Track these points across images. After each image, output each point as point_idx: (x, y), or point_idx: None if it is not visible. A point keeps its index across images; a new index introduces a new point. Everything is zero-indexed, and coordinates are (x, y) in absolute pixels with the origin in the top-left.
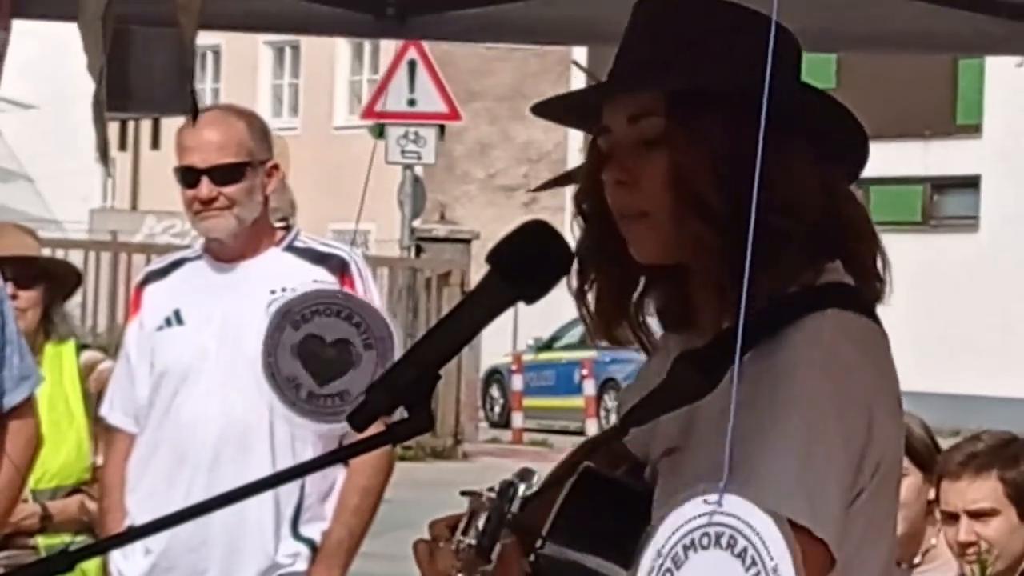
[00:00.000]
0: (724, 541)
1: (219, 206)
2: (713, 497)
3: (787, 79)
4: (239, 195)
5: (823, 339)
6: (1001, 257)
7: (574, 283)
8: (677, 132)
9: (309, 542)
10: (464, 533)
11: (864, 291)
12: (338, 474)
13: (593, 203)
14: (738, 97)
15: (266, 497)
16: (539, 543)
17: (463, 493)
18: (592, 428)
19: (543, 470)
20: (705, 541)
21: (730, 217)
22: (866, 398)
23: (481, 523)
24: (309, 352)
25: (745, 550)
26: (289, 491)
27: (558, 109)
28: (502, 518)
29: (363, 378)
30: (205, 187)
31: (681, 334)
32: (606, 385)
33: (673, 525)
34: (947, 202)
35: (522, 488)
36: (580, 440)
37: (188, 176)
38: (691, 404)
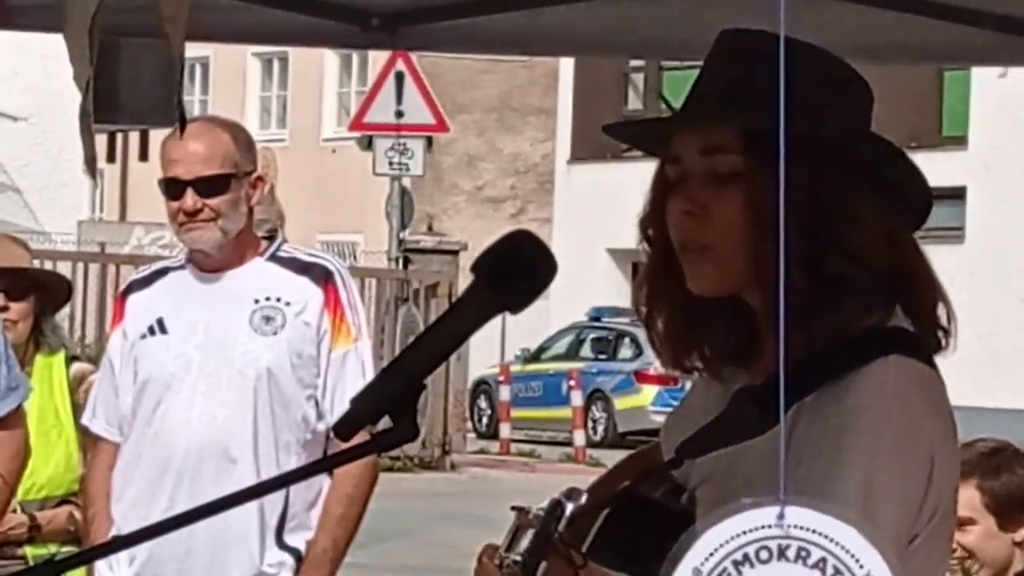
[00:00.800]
0: (791, 553)
1: (204, 218)
2: (773, 510)
3: (860, 128)
4: (224, 207)
5: (888, 386)
6: (986, 268)
7: (643, 309)
8: (756, 170)
9: (294, 551)
10: (508, 550)
11: (925, 339)
12: (323, 483)
13: (658, 230)
14: (815, 141)
15: (251, 506)
16: (580, 561)
17: (513, 508)
18: (579, 439)
19: (532, 481)
20: (764, 555)
21: (806, 257)
22: (928, 447)
23: (527, 541)
24: None
25: (824, 560)
26: (274, 500)
27: (629, 134)
28: (548, 537)
29: None
30: (190, 199)
31: (740, 368)
32: (593, 396)
33: (715, 541)
34: (933, 213)
35: (570, 507)
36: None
37: (173, 188)
38: (747, 440)
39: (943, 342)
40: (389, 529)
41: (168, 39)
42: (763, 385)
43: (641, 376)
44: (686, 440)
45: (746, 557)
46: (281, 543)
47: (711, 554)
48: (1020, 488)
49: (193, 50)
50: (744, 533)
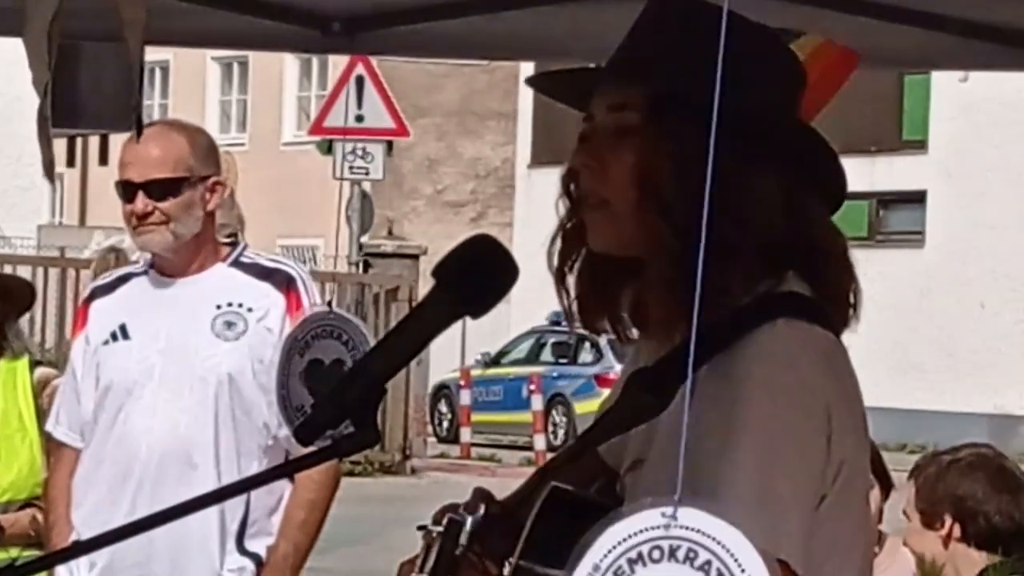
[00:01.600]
0: (681, 554)
1: (154, 221)
2: (668, 510)
3: (775, 102)
4: (175, 210)
5: (776, 351)
6: (947, 272)
7: (555, 263)
8: (649, 128)
9: (255, 557)
10: (421, 570)
11: (830, 311)
12: (285, 489)
13: (576, 188)
14: (720, 109)
15: (211, 511)
16: (511, 562)
17: (419, 528)
18: (540, 443)
19: (492, 485)
20: (656, 555)
21: (686, 218)
22: (822, 407)
23: (431, 560)
24: (312, 377)
25: (708, 563)
26: (234, 506)
27: (551, 84)
28: (451, 555)
29: None
30: (140, 201)
31: (642, 333)
32: (554, 400)
33: (614, 539)
34: (893, 217)
35: (469, 521)
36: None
37: (126, 191)
38: (644, 423)
39: (849, 317)
40: (350, 534)
41: (126, 43)
42: (654, 365)
43: (602, 380)
44: (588, 427)
45: (640, 556)
46: (242, 548)
47: (610, 551)
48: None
49: (153, 54)
50: (640, 532)
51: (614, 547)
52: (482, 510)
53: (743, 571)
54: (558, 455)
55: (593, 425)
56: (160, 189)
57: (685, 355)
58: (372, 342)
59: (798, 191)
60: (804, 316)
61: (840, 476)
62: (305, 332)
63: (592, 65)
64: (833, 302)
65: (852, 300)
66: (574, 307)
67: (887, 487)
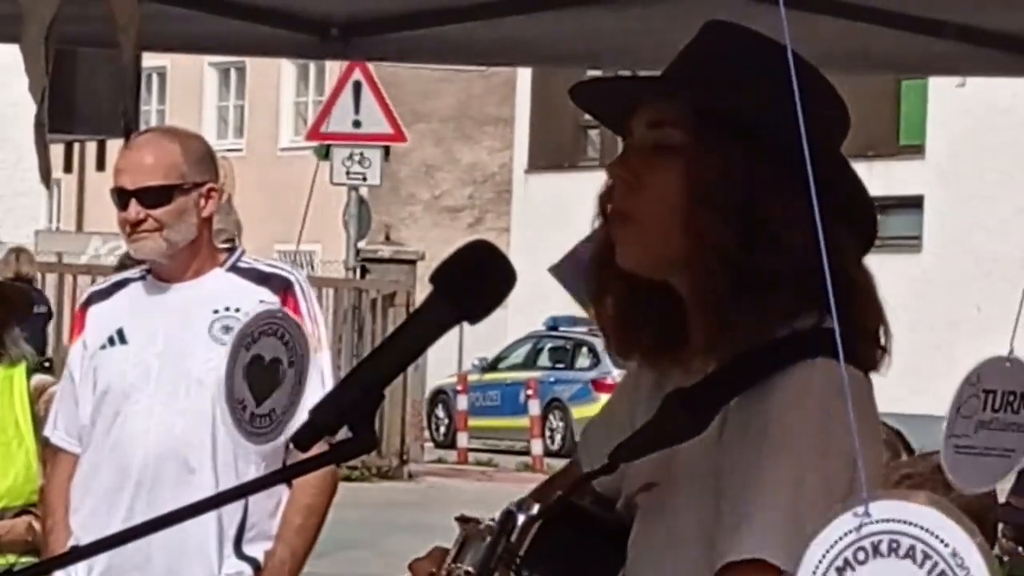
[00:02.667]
0: (884, 548)
1: (147, 228)
2: (859, 509)
3: (818, 137)
4: (167, 217)
5: (811, 389)
6: (943, 277)
7: (593, 287)
8: (696, 147)
9: (253, 561)
10: (456, 560)
11: (860, 350)
12: (282, 493)
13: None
14: (762, 132)
15: (209, 516)
16: (516, 570)
17: (458, 519)
18: (537, 448)
19: (489, 490)
20: (861, 556)
21: (728, 244)
22: (850, 450)
23: (479, 552)
24: (253, 373)
25: (913, 548)
26: (232, 510)
27: (592, 98)
28: (504, 548)
29: (284, 397)
30: (133, 209)
31: (675, 360)
32: (551, 405)
33: (816, 556)
34: (890, 222)
35: (521, 518)
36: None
37: (119, 198)
38: (680, 444)
39: (878, 359)
40: (347, 538)
41: (120, 48)
42: (693, 387)
43: (599, 385)
44: (620, 444)
45: (846, 562)
46: (240, 553)
47: (815, 568)
48: (969, 505)
49: (150, 60)
50: (839, 540)
51: (818, 564)
52: (535, 509)
53: (946, 545)
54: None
55: (629, 440)
56: (152, 196)
57: (725, 379)
58: (311, 348)
59: (836, 226)
60: (839, 356)
61: None
62: (254, 327)
63: (629, 73)
64: (862, 339)
65: (881, 339)
66: (611, 333)
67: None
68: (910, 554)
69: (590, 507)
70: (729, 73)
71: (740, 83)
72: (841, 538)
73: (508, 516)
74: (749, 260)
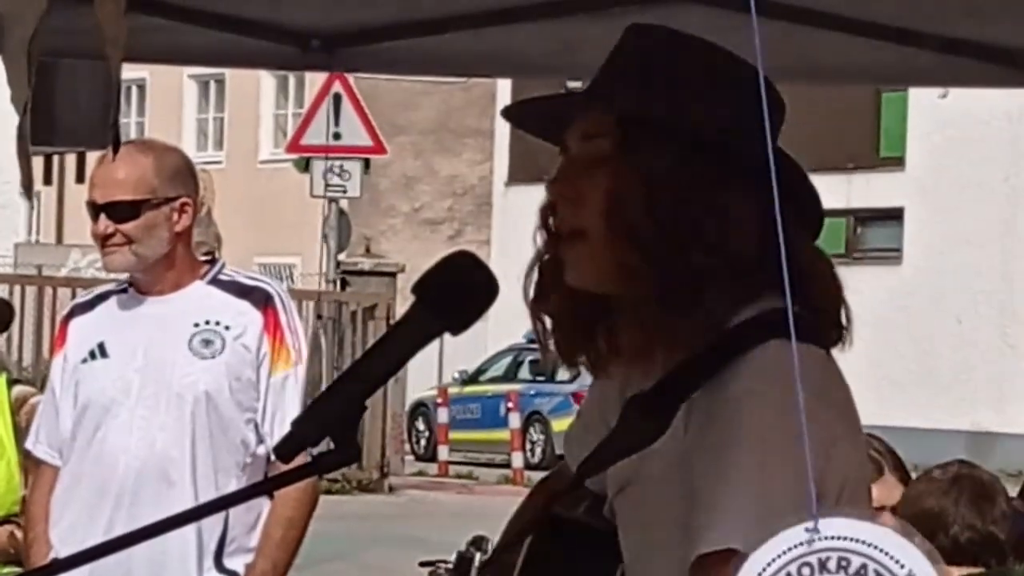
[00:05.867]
0: (832, 565)
1: (116, 242)
2: (809, 524)
3: (749, 126)
4: (136, 232)
5: (768, 371)
6: (924, 289)
7: (531, 297)
8: (619, 156)
9: (233, 575)
10: None
11: (818, 328)
12: (263, 506)
13: (553, 220)
14: (687, 133)
15: (189, 529)
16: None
17: (421, 564)
18: (518, 461)
19: (470, 503)
20: (807, 571)
21: (658, 247)
22: (818, 425)
23: None
24: None
25: (864, 567)
26: (212, 523)
27: (526, 115)
28: None
29: None
30: (102, 223)
31: (629, 365)
32: (531, 418)
33: (757, 566)
34: (870, 234)
35: (478, 557)
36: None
37: (91, 211)
38: (645, 448)
39: (839, 337)
40: (327, 551)
41: (106, 59)
42: (648, 392)
43: (579, 398)
44: (584, 459)
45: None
46: (220, 567)
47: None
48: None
49: (130, 72)
50: (784, 552)
51: (760, 573)
52: (489, 546)
53: (903, 566)
54: (557, 485)
55: (594, 453)
56: (120, 211)
57: (681, 378)
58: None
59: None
60: (796, 335)
61: (843, 494)
62: None
63: (564, 90)
64: (819, 319)
65: (841, 319)
66: (550, 341)
67: (905, 479)
68: (860, 573)
69: (580, 517)
70: (649, 77)
71: (660, 85)
72: (788, 550)
73: (462, 559)
74: (681, 261)
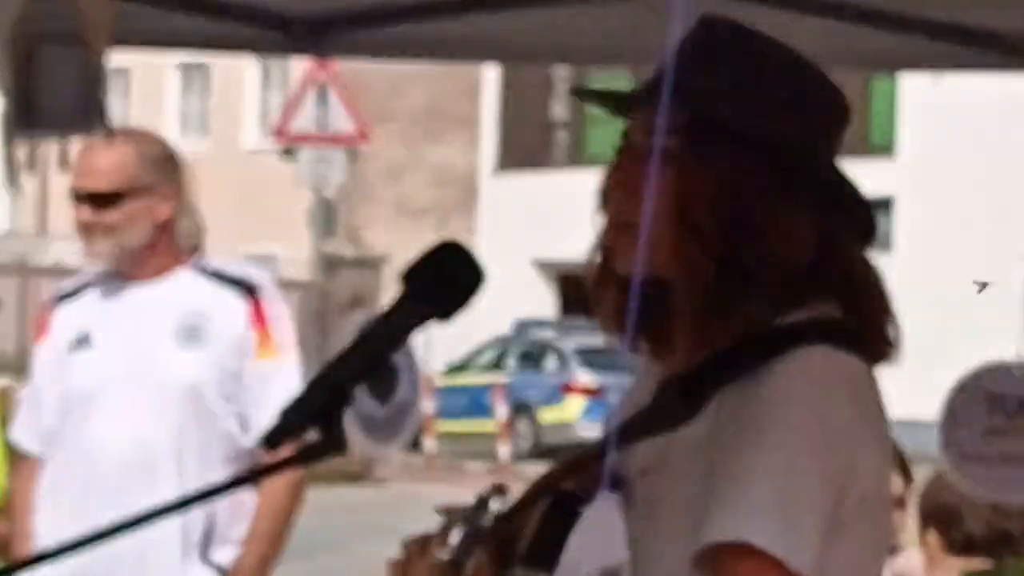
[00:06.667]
0: None
1: (98, 232)
2: None
3: (814, 136)
4: (117, 221)
5: (809, 374)
6: (914, 277)
7: (590, 284)
8: (687, 154)
9: (219, 568)
10: (438, 548)
11: (864, 340)
12: (249, 498)
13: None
14: (753, 138)
15: (173, 522)
16: (516, 565)
17: (438, 509)
18: (504, 452)
19: (457, 494)
20: None
21: (721, 245)
22: (849, 434)
23: (454, 539)
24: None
25: None
26: (197, 515)
27: (596, 97)
28: (476, 533)
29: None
30: (84, 212)
31: (662, 358)
32: (518, 409)
33: None
34: None
35: (495, 503)
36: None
37: (75, 200)
38: (673, 430)
39: (886, 352)
40: (314, 543)
41: (91, 46)
42: (686, 374)
43: (567, 388)
44: (615, 429)
45: None
46: (205, 559)
47: None
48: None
49: (113, 60)
50: None
51: None
52: (509, 497)
53: None
54: (581, 454)
55: (621, 427)
56: (102, 200)
57: (720, 365)
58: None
59: (834, 227)
60: (840, 343)
61: (862, 505)
62: None
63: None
64: (866, 330)
65: (890, 333)
66: (612, 327)
67: (902, 467)
68: None
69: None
70: (723, 77)
71: (733, 88)
72: None
73: (481, 502)
74: (734, 262)
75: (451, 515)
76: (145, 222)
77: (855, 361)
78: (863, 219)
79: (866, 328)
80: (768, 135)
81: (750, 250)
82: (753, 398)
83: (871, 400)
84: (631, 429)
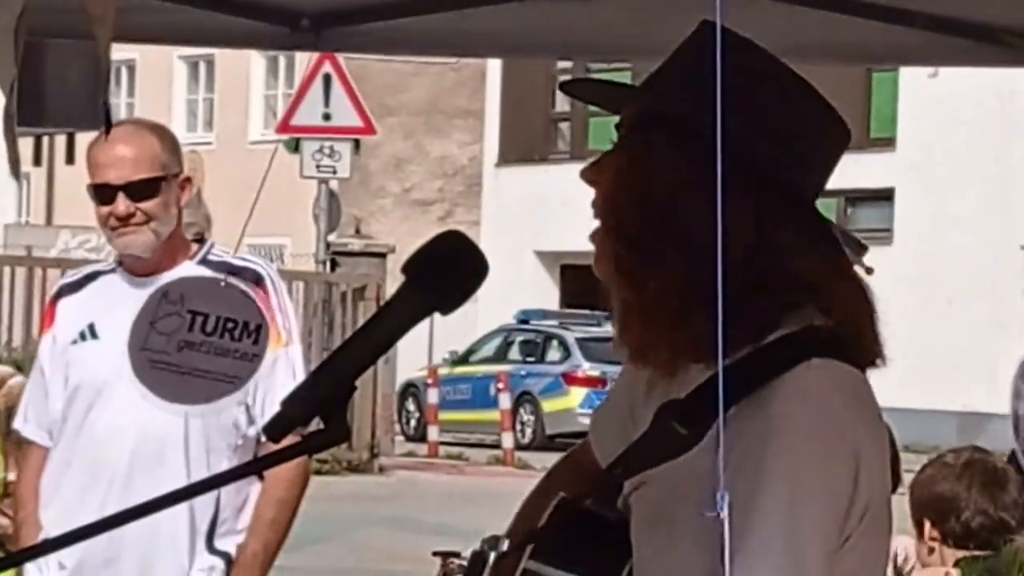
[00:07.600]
0: None
1: (136, 222)
2: None
3: (776, 145)
4: (156, 210)
5: (810, 391)
6: (914, 269)
7: (607, 289)
8: (623, 150)
9: (224, 555)
10: None
11: (852, 347)
12: (254, 487)
13: None
14: (702, 136)
15: (180, 510)
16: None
17: (435, 554)
18: (508, 441)
19: (460, 484)
20: None
21: (648, 244)
22: (853, 450)
23: None
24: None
25: None
26: (204, 504)
27: (584, 92)
28: None
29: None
30: (122, 203)
31: (643, 365)
32: (521, 398)
33: None
34: (861, 215)
35: (492, 556)
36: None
37: (103, 193)
38: (677, 457)
39: (874, 356)
40: (318, 532)
41: (96, 39)
42: (687, 399)
43: (569, 378)
44: (617, 459)
45: None
46: (211, 547)
47: None
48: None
49: (119, 52)
50: None
51: None
52: (504, 546)
53: None
54: (581, 457)
55: (625, 455)
56: (140, 190)
57: (716, 390)
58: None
59: (769, 219)
60: (837, 355)
61: (865, 517)
62: None
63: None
64: (853, 336)
65: (873, 334)
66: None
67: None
68: None
69: (590, 507)
70: (684, 76)
71: (689, 86)
72: None
73: (478, 557)
74: (670, 264)
75: (447, 565)
76: (174, 209)
77: (851, 371)
78: (824, 235)
79: (853, 333)
80: (709, 129)
81: (683, 249)
82: (758, 420)
83: (869, 408)
84: (634, 460)
